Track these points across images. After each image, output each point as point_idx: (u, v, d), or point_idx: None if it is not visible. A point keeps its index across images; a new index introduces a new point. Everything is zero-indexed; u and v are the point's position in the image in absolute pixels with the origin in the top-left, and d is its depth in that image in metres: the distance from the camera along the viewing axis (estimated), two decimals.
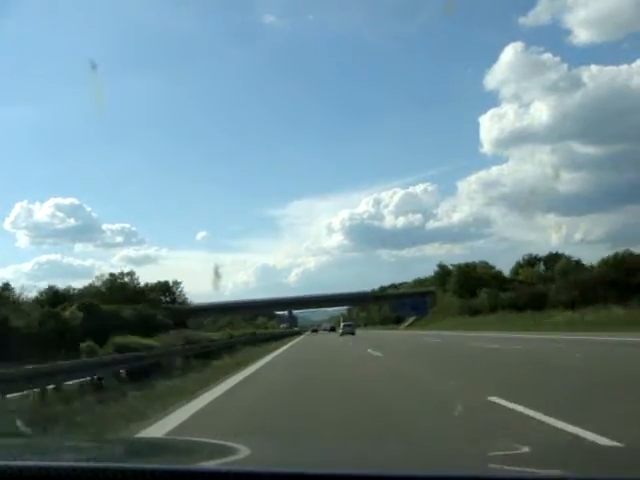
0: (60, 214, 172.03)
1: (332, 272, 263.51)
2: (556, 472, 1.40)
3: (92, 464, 1.33)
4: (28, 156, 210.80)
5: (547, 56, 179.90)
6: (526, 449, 1.92)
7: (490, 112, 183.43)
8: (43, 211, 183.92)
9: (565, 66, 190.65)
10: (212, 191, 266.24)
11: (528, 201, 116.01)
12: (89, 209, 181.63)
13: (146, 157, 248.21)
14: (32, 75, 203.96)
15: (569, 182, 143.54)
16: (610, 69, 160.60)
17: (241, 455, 1.66)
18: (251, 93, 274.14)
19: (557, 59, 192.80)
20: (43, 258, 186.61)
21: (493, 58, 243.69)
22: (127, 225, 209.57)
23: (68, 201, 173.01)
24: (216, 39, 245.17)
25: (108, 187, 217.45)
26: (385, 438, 4.88)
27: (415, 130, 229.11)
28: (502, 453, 1.84)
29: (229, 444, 1.86)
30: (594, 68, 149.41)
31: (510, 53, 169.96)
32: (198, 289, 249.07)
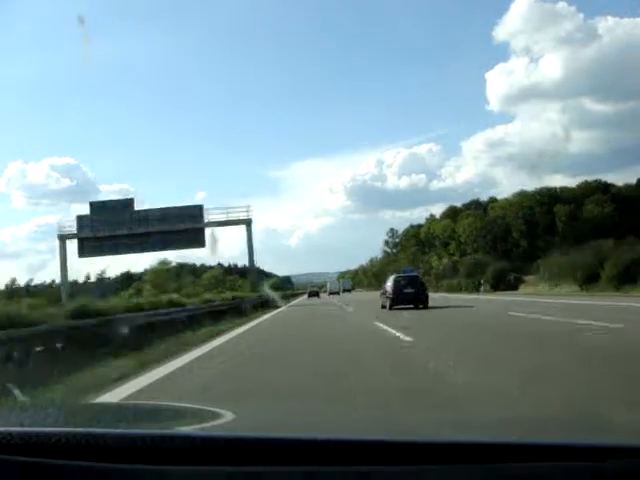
0: (55, 174, 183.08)
1: (334, 234, 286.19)
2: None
3: (83, 430, 1.38)
4: (21, 114, 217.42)
5: (562, 5, 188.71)
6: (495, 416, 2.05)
7: (498, 67, 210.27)
8: (38, 171, 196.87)
9: (581, 16, 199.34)
10: (211, 151, 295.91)
11: (535, 161, 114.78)
12: (85, 169, 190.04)
13: (144, 116, 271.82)
14: (23, 32, 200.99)
15: (579, 141, 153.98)
16: (627, 21, 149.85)
17: (227, 419, 1.74)
18: (251, 50, 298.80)
19: (572, 8, 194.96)
20: (41, 220, 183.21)
21: (504, 7, 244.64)
22: (125, 186, 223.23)
23: (63, 161, 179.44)
24: None
25: (105, 147, 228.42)
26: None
27: (419, 87, 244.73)
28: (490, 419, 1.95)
29: (214, 409, 1.95)
30: (610, 19, 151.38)
31: (522, 1, 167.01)
32: (198, 251, 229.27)
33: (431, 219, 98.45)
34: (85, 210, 47.19)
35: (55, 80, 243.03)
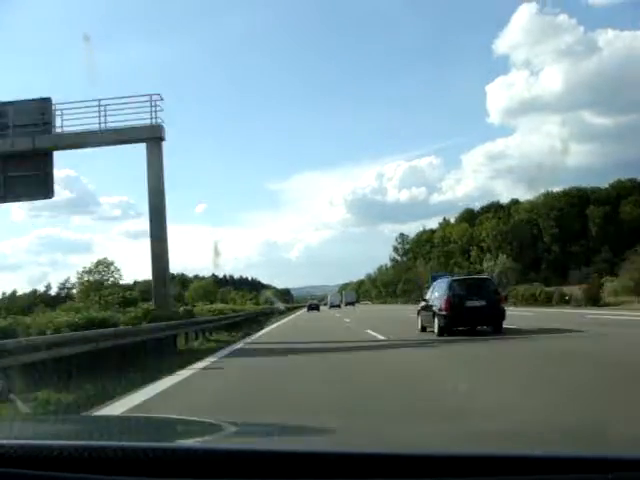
0: (55, 186, 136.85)
1: (334, 247, 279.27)
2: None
3: (84, 442, 1.37)
4: None
5: (562, 18, 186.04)
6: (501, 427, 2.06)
7: (498, 80, 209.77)
8: None
9: (581, 29, 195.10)
10: (212, 164, 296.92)
11: (535, 174, 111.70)
12: (85, 181, 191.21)
13: None
14: (24, 39, 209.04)
15: (579, 154, 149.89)
16: (628, 34, 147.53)
17: (228, 432, 1.74)
18: (251, 63, 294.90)
19: (573, 21, 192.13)
20: (42, 232, 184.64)
21: (504, 20, 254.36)
22: (125, 198, 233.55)
23: (63, 173, 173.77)
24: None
25: (105, 159, 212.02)
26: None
27: (420, 100, 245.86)
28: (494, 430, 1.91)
29: (215, 422, 1.96)
30: (611, 32, 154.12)
31: (523, 14, 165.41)
32: (199, 263, 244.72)
33: (445, 223, 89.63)
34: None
35: (54, 89, 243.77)
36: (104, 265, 55.01)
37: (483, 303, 15.21)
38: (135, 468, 1.21)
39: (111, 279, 54.13)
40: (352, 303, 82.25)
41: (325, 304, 77.60)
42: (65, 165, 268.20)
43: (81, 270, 54.95)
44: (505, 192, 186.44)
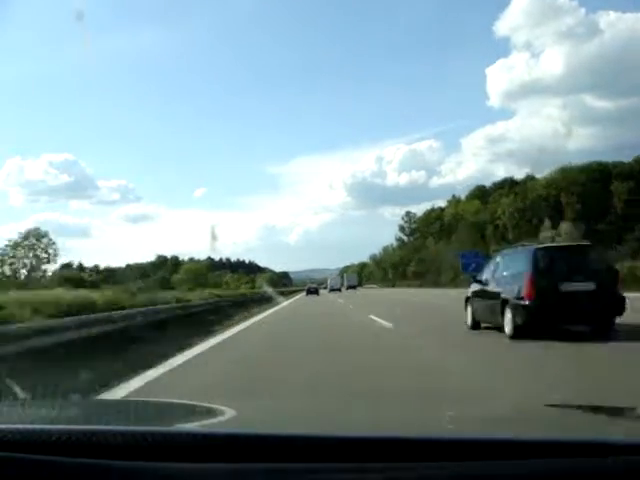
0: (54, 170, 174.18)
1: (334, 230, 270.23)
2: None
3: (84, 427, 1.39)
4: (19, 110, 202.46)
5: None
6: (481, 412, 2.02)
7: (499, 62, 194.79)
8: (36, 167, 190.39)
9: (582, 11, 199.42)
10: (211, 147, 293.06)
11: (535, 157, 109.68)
12: (84, 164, 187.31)
13: (143, 112, 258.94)
14: (21, 28, 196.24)
15: (580, 137, 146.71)
16: (629, 16, 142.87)
17: (228, 416, 1.73)
18: (251, 44, 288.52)
19: (574, 3, 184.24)
20: (40, 217, 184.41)
21: (505, 1, 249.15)
22: (123, 182, 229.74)
23: (62, 157, 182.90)
24: None
25: (104, 142, 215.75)
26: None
27: (420, 83, 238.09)
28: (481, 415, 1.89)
29: (215, 406, 1.94)
30: (612, 14, 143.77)
31: None
32: (197, 247, 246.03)
33: (454, 200, 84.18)
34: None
35: (53, 76, 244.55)
36: (35, 237, 44.52)
37: (591, 286, 9.76)
38: (134, 452, 1.20)
39: (43, 254, 45.03)
40: (354, 286, 77.87)
41: (325, 288, 73.68)
42: (64, 149, 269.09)
43: (5, 244, 46.01)
44: (505, 175, 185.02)
